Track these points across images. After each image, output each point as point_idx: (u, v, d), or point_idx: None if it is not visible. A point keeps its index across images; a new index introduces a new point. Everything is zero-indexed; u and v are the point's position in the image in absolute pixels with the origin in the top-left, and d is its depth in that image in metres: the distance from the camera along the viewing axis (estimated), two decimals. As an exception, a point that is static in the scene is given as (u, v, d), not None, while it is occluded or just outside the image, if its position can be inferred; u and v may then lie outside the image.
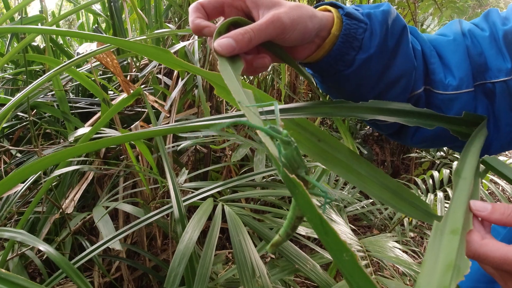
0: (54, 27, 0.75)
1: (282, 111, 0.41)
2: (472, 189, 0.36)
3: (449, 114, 0.55)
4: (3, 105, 1.55)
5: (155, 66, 1.43)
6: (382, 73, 0.51)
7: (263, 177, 0.94)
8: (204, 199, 0.79)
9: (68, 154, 0.41)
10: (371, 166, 0.40)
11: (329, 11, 0.49)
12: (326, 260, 0.81)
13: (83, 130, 1.02)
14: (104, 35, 1.32)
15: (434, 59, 0.56)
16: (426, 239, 1.89)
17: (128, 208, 0.94)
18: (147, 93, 0.76)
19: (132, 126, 1.20)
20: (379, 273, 0.88)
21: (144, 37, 0.83)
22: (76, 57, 0.78)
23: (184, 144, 0.83)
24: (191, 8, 0.44)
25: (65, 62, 0.76)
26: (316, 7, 0.50)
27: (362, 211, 1.53)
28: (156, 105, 0.61)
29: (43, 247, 0.67)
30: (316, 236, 0.77)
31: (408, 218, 1.60)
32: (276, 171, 0.85)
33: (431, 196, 1.53)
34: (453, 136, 0.49)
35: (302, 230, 0.75)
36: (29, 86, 0.74)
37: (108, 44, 0.65)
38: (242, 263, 0.60)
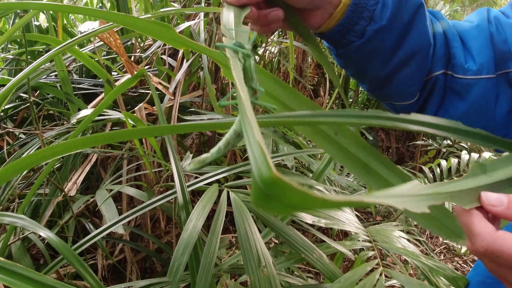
0: (56, 3, 0.72)
1: (311, 117, 0.38)
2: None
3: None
4: (4, 86, 1.53)
5: (159, 47, 1.40)
6: (395, 47, 0.52)
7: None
8: (209, 184, 0.77)
9: (74, 145, 0.39)
10: (392, 166, 0.37)
11: None
12: (332, 250, 0.79)
13: (86, 111, 1.00)
14: (105, 10, 1.28)
15: (456, 43, 0.55)
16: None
17: (131, 191, 0.92)
18: (151, 75, 0.74)
19: (136, 108, 1.17)
20: (383, 262, 0.86)
21: (149, 15, 0.80)
22: (78, 36, 0.75)
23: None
24: None
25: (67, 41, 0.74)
26: None
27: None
28: (160, 87, 0.59)
29: (44, 232, 0.65)
30: (322, 225, 0.75)
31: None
32: (283, 158, 0.83)
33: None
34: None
35: (308, 218, 0.74)
36: (30, 66, 0.71)
37: (111, 23, 0.62)
38: (247, 252, 0.58)
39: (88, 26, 1.03)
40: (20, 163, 0.45)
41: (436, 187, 0.28)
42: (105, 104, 0.79)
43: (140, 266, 1.45)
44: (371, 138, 2.37)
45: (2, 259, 0.56)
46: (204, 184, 0.73)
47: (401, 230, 1.11)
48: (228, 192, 0.70)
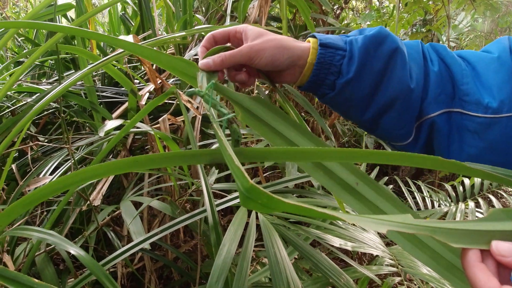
0: (87, 29, 0.73)
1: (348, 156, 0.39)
2: None
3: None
4: (31, 93, 1.56)
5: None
6: (370, 95, 0.53)
7: (295, 184, 0.92)
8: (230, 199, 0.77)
9: (114, 167, 0.40)
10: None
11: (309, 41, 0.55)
12: (359, 275, 0.79)
13: (112, 123, 1.01)
14: (125, 39, 1.30)
15: (467, 79, 0.53)
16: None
17: (156, 204, 0.93)
18: (181, 92, 0.74)
19: (159, 120, 1.19)
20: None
21: (183, 33, 0.81)
22: (115, 53, 0.77)
23: (217, 145, 0.82)
24: (205, 38, 0.55)
25: (102, 57, 0.75)
26: (305, 40, 0.56)
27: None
28: (189, 105, 0.59)
29: (74, 250, 0.66)
30: (348, 248, 0.75)
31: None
32: (310, 177, 0.83)
33: (461, 205, 1.48)
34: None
35: (336, 241, 0.73)
36: (68, 80, 0.73)
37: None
38: (277, 276, 0.58)
39: (130, 39, 1.04)
40: (56, 185, 0.46)
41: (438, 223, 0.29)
42: (135, 121, 0.81)
43: (157, 275, 1.46)
44: (388, 150, 2.35)
45: (36, 280, 0.57)
46: (232, 203, 0.73)
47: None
48: (256, 213, 0.70)
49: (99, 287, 1.18)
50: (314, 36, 0.55)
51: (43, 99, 0.70)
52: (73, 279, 1.11)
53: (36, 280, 0.61)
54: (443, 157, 0.56)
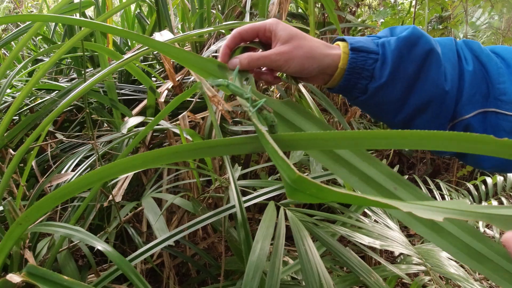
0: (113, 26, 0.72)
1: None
2: None
3: None
4: (48, 90, 1.57)
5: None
6: (403, 99, 0.52)
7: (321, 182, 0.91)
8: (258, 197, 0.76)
9: (145, 161, 0.39)
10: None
11: (338, 44, 0.54)
12: (389, 273, 0.78)
13: (134, 120, 1.01)
14: (159, 37, 1.30)
15: (503, 77, 0.51)
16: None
17: (179, 201, 0.93)
18: (209, 92, 0.73)
19: (179, 117, 1.18)
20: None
21: (211, 28, 0.80)
22: (140, 50, 0.76)
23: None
24: (230, 36, 0.54)
25: (125, 55, 0.74)
26: (333, 42, 0.55)
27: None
28: (220, 107, 0.58)
29: (101, 246, 0.66)
30: (377, 246, 0.73)
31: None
32: (334, 175, 0.82)
33: (485, 204, 1.45)
34: None
35: (365, 239, 0.72)
36: (92, 78, 0.73)
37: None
38: (309, 274, 0.57)
39: (158, 37, 1.04)
40: (88, 179, 0.45)
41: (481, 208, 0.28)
42: (160, 118, 0.80)
43: (176, 271, 1.46)
44: (406, 149, 2.33)
45: (65, 277, 0.57)
46: (258, 200, 0.72)
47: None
48: (285, 211, 0.69)
49: (118, 283, 1.19)
50: (343, 40, 0.53)
51: (69, 96, 0.70)
52: (93, 274, 1.12)
53: (66, 277, 0.60)
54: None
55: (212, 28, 0.78)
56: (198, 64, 0.53)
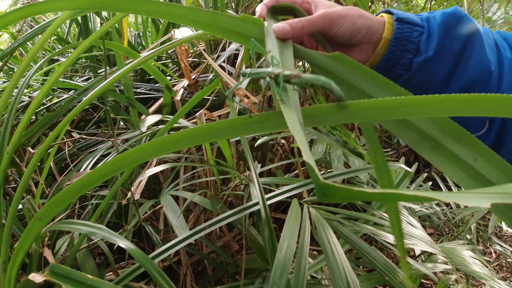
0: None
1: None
2: None
3: None
4: (64, 89, 1.58)
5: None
6: (447, 78, 0.50)
7: (343, 180, 0.90)
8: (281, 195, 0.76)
9: (177, 140, 0.38)
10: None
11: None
12: (415, 271, 0.76)
13: (152, 118, 1.01)
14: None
15: None
16: (491, 245, 1.79)
17: (197, 199, 0.92)
18: (230, 81, 0.73)
19: (196, 114, 1.18)
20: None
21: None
22: (161, 46, 0.76)
23: (261, 140, 0.80)
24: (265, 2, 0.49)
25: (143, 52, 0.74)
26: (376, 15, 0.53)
27: (427, 212, 1.46)
28: (246, 101, 0.57)
29: (123, 243, 0.66)
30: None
31: (476, 223, 1.51)
32: (359, 172, 0.81)
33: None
34: None
35: (390, 237, 0.71)
36: (113, 75, 0.72)
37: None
38: (336, 273, 0.56)
39: (178, 34, 1.04)
40: (111, 166, 0.44)
41: None
42: (180, 115, 0.80)
43: (192, 269, 1.46)
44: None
45: (90, 276, 0.57)
46: (280, 198, 0.71)
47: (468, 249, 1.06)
48: (308, 209, 0.68)
49: (135, 281, 1.19)
50: (388, 12, 0.51)
51: (89, 94, 0.70)
52: (111, 272, 1.12)
53: (89, 276, 0.60)
54: None
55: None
56: (234, 28, 0.44)
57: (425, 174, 1.49)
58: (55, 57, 1.90)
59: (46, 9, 0.47)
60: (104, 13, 1.98)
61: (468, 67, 0.49)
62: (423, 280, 1.55)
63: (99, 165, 0.45)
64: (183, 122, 1.01)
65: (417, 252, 1.02)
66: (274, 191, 0.73)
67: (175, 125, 1.03)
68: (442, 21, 0.48)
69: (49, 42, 2.47)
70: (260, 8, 0.49)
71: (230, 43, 1.55)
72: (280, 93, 0.36)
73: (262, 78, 0.39)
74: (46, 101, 1.59)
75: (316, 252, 1.08)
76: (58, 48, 2.34)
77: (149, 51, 1.40)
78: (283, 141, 1.50)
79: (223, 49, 1.63)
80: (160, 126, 1.09)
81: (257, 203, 0.68)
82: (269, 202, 0.69)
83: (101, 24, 1.85)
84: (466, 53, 0.49)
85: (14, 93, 0.93)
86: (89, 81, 1.50)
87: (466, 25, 0.49)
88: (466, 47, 0.49)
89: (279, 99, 0.35)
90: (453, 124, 0.35)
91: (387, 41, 0.49)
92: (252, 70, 0.40)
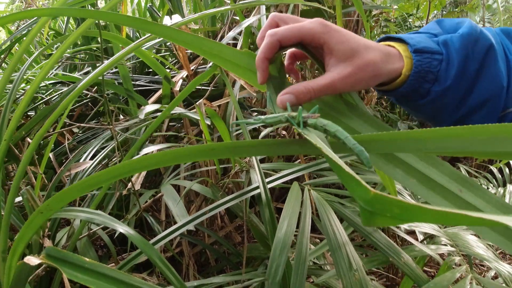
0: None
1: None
2: None
3: None
4: (62, 82, 1.57)
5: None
6: (462, 99, 0.47)
7: (345, 162, 0.89)
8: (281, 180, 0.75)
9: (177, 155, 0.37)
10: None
11: (393, 46, 0.47)
12: (419, 253, 0.75)
13: (150, 107, 1.00)
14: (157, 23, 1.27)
15: None
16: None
17: (197, 187, 0.91)
18: (232, 74, 0.72)
19: (196, 104, 1.17)
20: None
21: (228, 6, 0.78)
22: (146, 36, 0.74)
23: (264, 132, 0.79)
24: (267, 43, 0.44)
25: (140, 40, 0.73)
26: (379, 41, 0.49)
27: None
28: (247, 86, 0.56)
29: (123, 229, 0.65)
30: (405, 227, 0.71)
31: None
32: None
33: (510, 187, 1.41)
34: None
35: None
36: (105, 63, 0.71)
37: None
38: (338, 254, 0.55)
39: (167, 21, 1.02)
40: (117, 170, 0.43)
41: None
42: (177, 101, 0.79)
43: (194, 260, 1.45)
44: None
45: (86, 259, 0.56)
46: (282, 182, 0.71)
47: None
48: (309, 191, 0.67)
49: (138, 272, 1.18)
50: (393, 39, 0.48)
51: (87, 77, 0.69)
52: (113, 263, 1.11)
53: (87, 259, 0.59)
54: None
55: (229, 7, 0.76)
56: (232, 59, 0.44)
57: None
58: (52, 53, 1.89)
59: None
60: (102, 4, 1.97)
61: (483, 87, 0.47)
62: (426, 269, 1.55)
63: (109, 167, 0.44)
64: (181, 111, 1.00)
65: (420, 237, 1.01)
66: (274, 175, 0.73)
67: (176, 113, 1.02)
68: (462, 45, 0.46)
69: (47, 39, 2.46)
70: (261, 67, 0.44)
71: (228, 31, 1.54)
72: (302, 129, 0.36)
73: (280, 122, 0.39)
74: (46, 95, 1.58)
75: (318, 240, 1.07)
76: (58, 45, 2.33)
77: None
78: (284, 132, 1.49)
79: (221, 39, 1.62)
80: (158, 114, 1.08)
81: (257, 187, 0.67)
82: (271, 185, 0.68)
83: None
84: (481, 72, 0.47)
85: (9, 87, 0.92)
86: (89, 75, 1.50)
87: (483, 43, 0.46)
88: (482, 67, 0.47)
89: (302, 131, 0.36)
90: (436, 160, 0.36)
91: (406, 77, 0.46)
92: (267, 116, 0.39)
